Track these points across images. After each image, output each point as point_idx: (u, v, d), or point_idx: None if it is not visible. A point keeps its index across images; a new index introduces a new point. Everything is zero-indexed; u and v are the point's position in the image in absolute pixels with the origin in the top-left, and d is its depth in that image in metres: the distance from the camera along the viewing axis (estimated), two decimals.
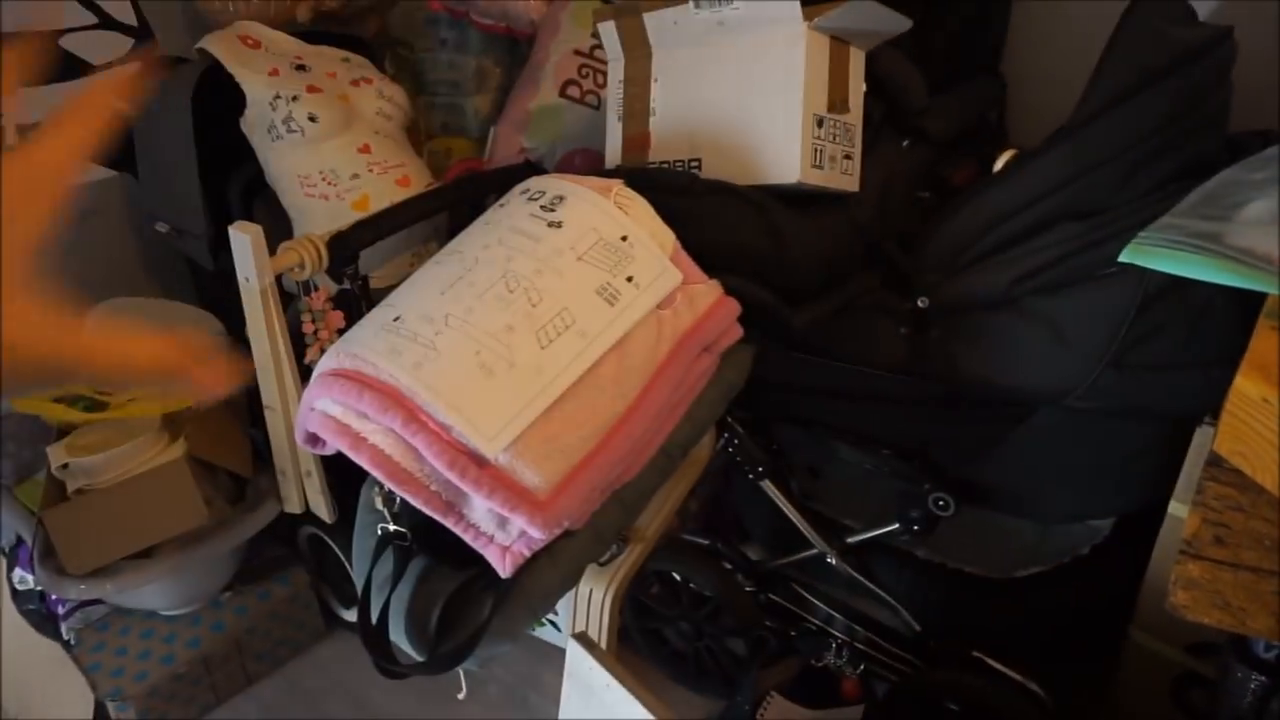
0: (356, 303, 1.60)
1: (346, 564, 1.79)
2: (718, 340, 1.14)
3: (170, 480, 1.54)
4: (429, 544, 1.05)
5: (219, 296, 2.06)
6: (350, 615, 1.87)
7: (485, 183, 1.78)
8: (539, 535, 0.94)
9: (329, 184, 1.88)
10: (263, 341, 1.55)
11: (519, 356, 0.97)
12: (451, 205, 1.77)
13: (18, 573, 1.85)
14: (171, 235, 2.10)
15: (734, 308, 1.14)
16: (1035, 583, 1.25)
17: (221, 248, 1.94)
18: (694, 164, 1.32)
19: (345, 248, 1.57)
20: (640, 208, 1.12)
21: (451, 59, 2.17)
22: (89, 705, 1.62)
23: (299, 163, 1.88)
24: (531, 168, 1.80)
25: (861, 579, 1.37)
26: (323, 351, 1.57)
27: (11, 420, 1.77)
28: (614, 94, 1.49)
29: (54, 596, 1.64)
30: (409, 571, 1.05)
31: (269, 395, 1.59)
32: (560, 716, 1.14)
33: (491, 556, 0.96)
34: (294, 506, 1.69)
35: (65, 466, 1.55)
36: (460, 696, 1.21)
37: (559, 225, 1.09)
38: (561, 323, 1.02)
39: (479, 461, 0.93)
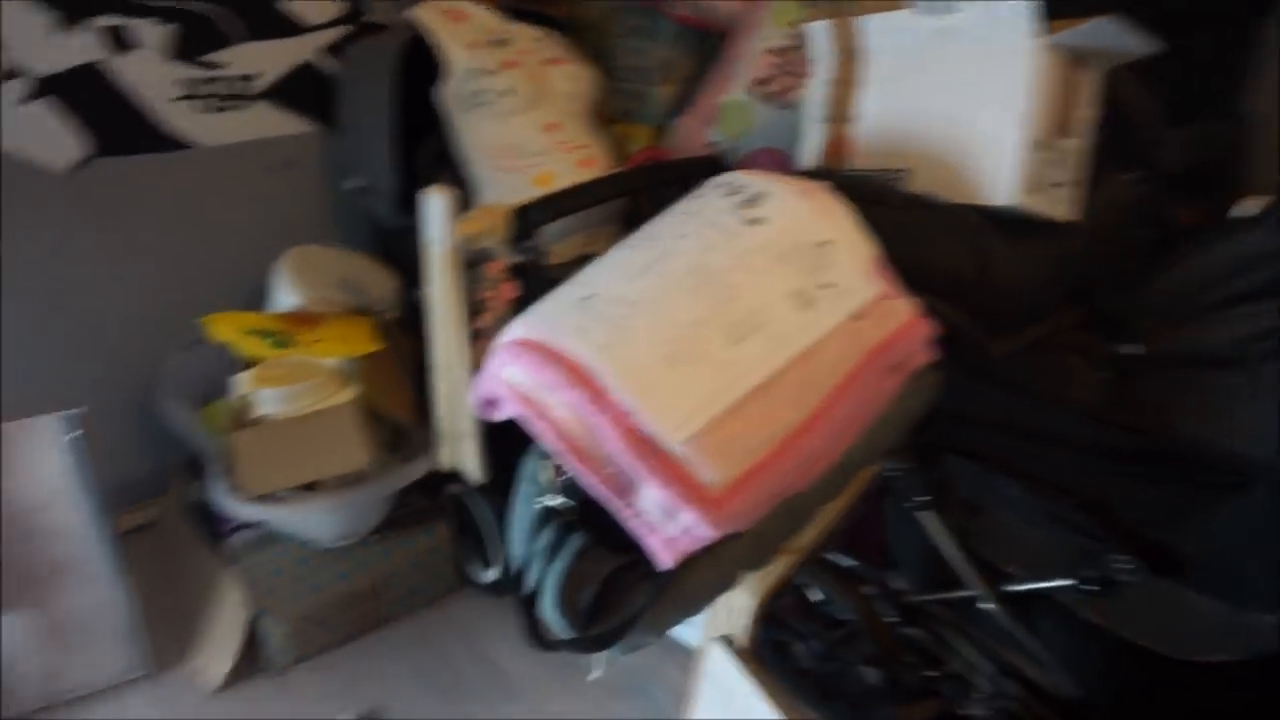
0: (531, 276, 1.64)
1: (484, 528, 1.84)
2: (907, 361, 1.09)
3: (339, 422, 1.62)
4: (590, 522, 1.06)
5: (397, 254, 2.16)
6: (483, 576, 1.92)
7: (668, 172, 1.78)
8: (707, 533, 0.93)
9: (516, 158, 1.93)
10: (442, 302, 1.61)
11: (708, 350, 0.96)
12: (633, 191, 1.78)
13: (196, 486, 2.00)
14: (361, 192, 2.21)
15: (929, 329, 1.09)
16: (1220, 671, 1.14)
17: (406, 208, 2.04)
18: (899, 174, 1.27)
19: (528, 221, 1.60)
20: (843, 213, 1.09)
21: (641, 46, 2.18)
22: (240, 621, 1.73)
23: (489, 134, 1.94)
24: (716, 162, 1.79)
25: (1017, 631, 1.30)
26: (496, 320, 1.62)
27: (203, 347, 1.90)
28: (817, 95, 1.45)
29: (224, 513, 1.76)
30: (567, 547, 1.05)
31: (441, 354, 1.64)
32: (692, 717, 1.13)
33: (654, 547, 0.95)
34: (448, 464, 1.75)
35: (250, 395, 1.66)
36: (592, 676, 1.22)
37: (758, 223, 1.07)
38: (752, 322, 1.00)
39: (657, 450, 0.93)
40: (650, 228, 1.17)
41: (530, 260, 1.63)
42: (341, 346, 1.64)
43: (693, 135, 1.90)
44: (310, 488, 1.66)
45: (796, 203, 1.08)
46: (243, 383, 1.67)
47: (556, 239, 1.79)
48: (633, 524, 0.97)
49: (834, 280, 1.05)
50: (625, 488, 0.97)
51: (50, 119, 1.84)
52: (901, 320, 1.09)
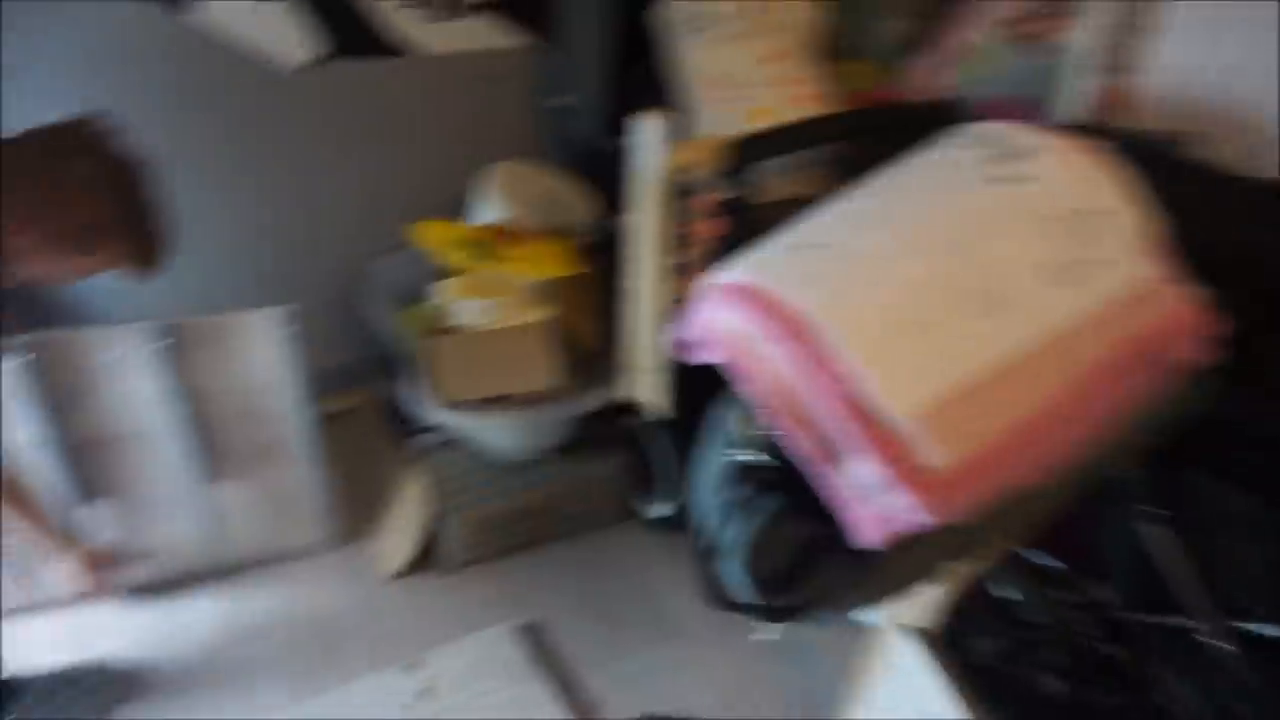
0: (740, 214, 1.57)
1: (658, 463, 1.82)
2: (1173, 357, 0.95)
3: (530, 340, 1.64)
4: (787, 485, 1.01)
5: (598, 177, 2.14)
6: (651, 510, 1.92)
7: (899, 116, 1.65)
8: (922, 519, 0.85)
9: (731, 89, 1.84)
10: (644, 232, 1.57)
11: (945, 319, 0.87)
12: (859, 134, 1.66)
13: (393, 383, 2.10)
14: (567, 111, 2.19)
15: (1208, 324, 0.94)
16: None
17: (612, 131, 2.00)
18: (1188, 139, 1.10)
19: (744, 156, 1.52)
20: (1124, 181, 0.95)
21: None
22: (420, 518, 1.82)
23: (705, 62, 1.86)
24: (953, 109, 1.63)
25: (1253, 679, 1.15)
26: (698, 256, 1.57)
27: (407, 252, 1.97)
28: (1089, 40, 1.28)
29: (415, 413, 1.83)
30: (761, 508, 1.01)
31: (637, 284, 1.62)
32: (864, 697, 1.07)
33: (860, 524, 0.89)
34: (632, 395, 1.74)
35: (448, 304, 1.70)
36: (756, 636, 1.18)
37: (1018, 182, 0.95)
38: (999, 293, 0.89)
39: (877, 422, 0.85)
40: (884, 177, 1.07)
41: (740, 197, 1.55)
42: (540, 266, 1.64)
43: (927, 77, 1.75)
44: (497, 401, 1.69)
45: (1070, 163, 0.95)
46: (442, 291, 1.71)
47: (768, 177, 1.70)
48: (838, 496, 0.90)
49: (1101, 256, 0.92)
50: (834, 456, 0.90)
51: (288, 17, 1.92)
52: (1173, 310, 0.95)
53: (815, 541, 0.97)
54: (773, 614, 0.97)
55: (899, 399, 0.84)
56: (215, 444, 1.74)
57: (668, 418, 1.69)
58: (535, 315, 1.65)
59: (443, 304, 1.69)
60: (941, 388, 0.84)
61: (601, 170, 2.06)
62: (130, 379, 1.62)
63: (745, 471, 1.02)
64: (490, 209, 1.91)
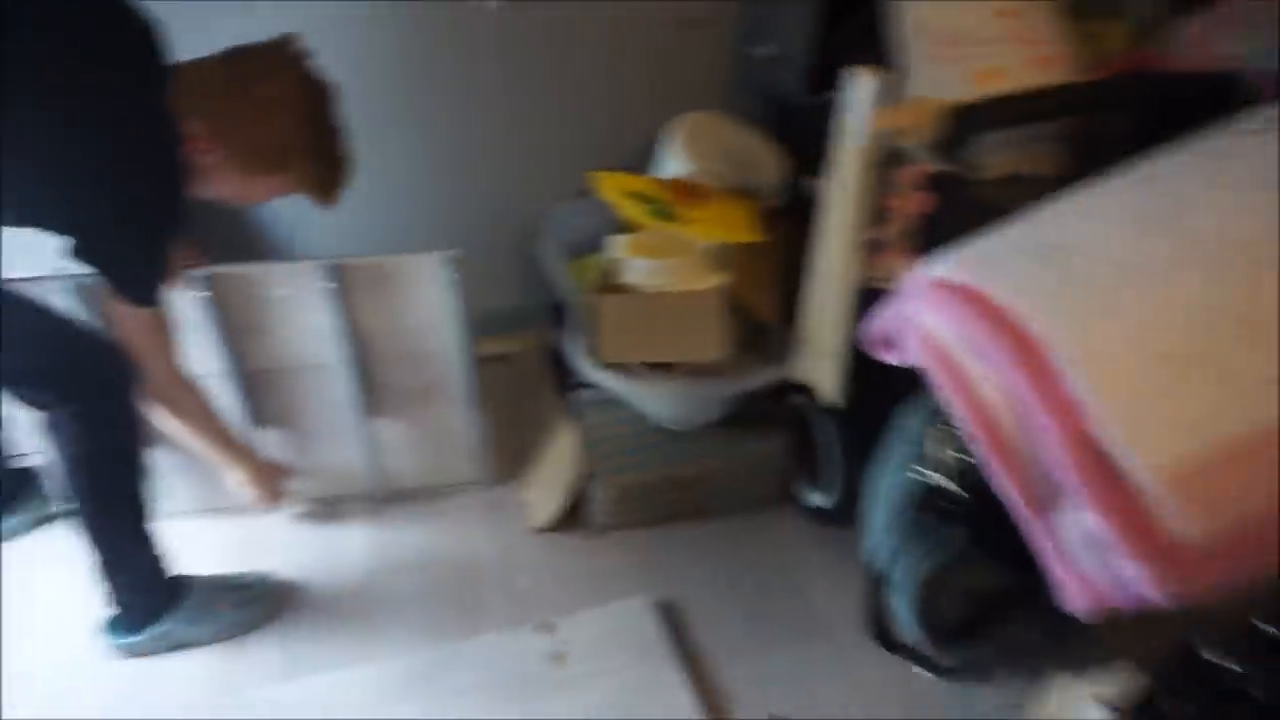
0: (951, 190, 1.38)
1: (824, 451, 1.69)
2: None
3: (703, 308, 1.53)
4: (979, 519, 0.86)
5: (794, 135, 1.98)
6: (810, 498, 1.80)
7: (1166, 88, 1.39)
8: (1153, 596, 0.69)
9: (959, 45, 1.62)
10: (841, 201, 1.42)
11: (1227, 354, 0.69)
12: (1106, 107, 1.42)
13: (555, 331, 2.06)
14: (769, 61, 2.03)
15: None
16: None
17: (816, 86, 1.84)
18: None
19: (966, 124, 1.33)
20: None
21: None
22: (571, 475, 1.78)
23: (932, 13, 1.65)
24: (1233, 83, 1.36)
25: None
26: (898, 234, 1.41)
27: (586, 200, 1.90)
28: None
29: (574, 370, 1.78)
30: (945, 541, 0.87)
31: (825, 258, 1.47)
32: None
33: (1072, 587, 0.73)
34: (803, 377, 1.61)
35: (620, 259, 1.62)
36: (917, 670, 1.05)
37: None
38: None
39: (1112, 469, 0.69)
40: (1153, 165, 0.88)
41: (955, 171, 1.37)
42: (721, 230, 1.52)
43: (1205, 43, 1.47)
44: (660, 367, 1.61)
45: None
46: (616, 245, 1.63)
47: (990, 150, 1.50)
48: (1044, 547, 0.75)
49: None
50: (1048, 501, 0.75)
51: None
52: None
53: (1003, 593, 0.82)
54: (942, 668, 0.83)
55: (1149, 448, 0.67)
56: (377, 381, 1.76)
57: (842, 407, 1.55)
58: (710, 281, 1.54)
59: (614, 259, 1.61)
60: (1209, 441, 0.67)
61: (799, 128, 1.91)
62: (301, 315, 1.65)
63: (929, 496, 0.88)
64: (673, 162, 1.81)
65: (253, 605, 1.59)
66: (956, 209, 1.38)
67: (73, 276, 1.45)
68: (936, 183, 1.37)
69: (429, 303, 1.67)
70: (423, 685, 1.48)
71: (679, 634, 1.58)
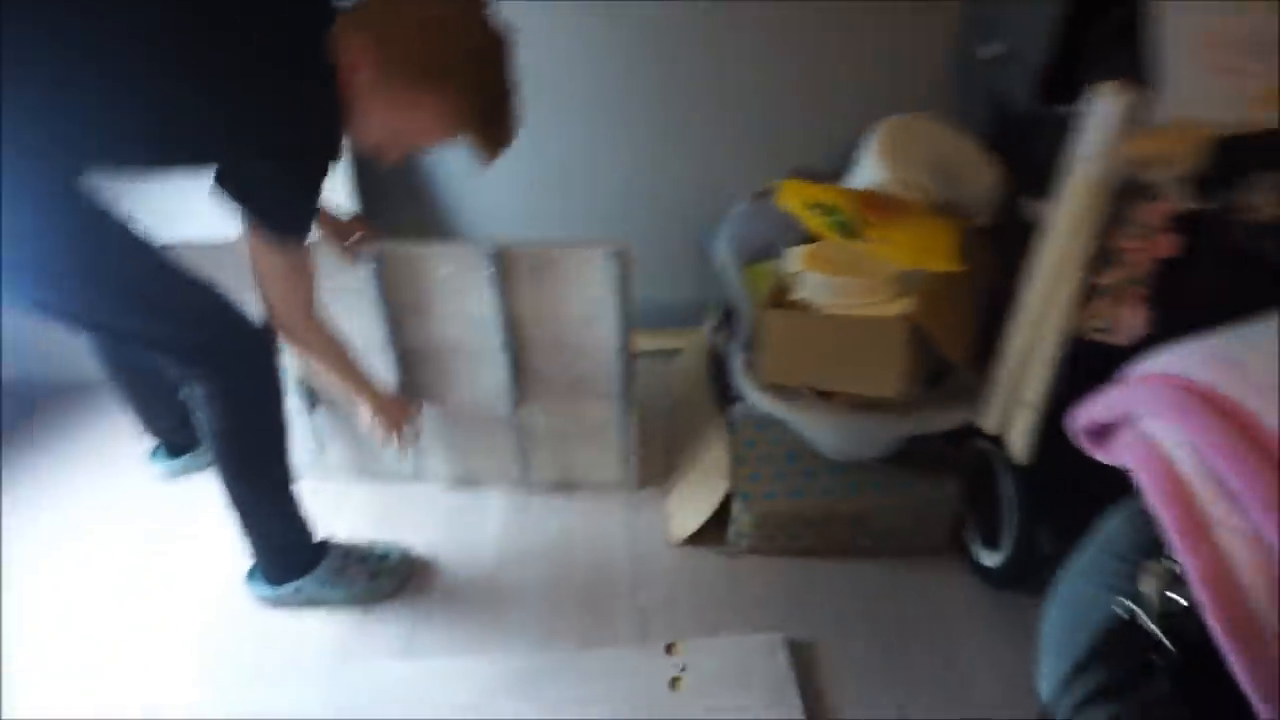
0: (1207, 235, 1.15)
1: (1004, 507, 1.49)
2: None
3: (884, 338, 1.37)
4: (1189, 685, 0.68)
5: (1016, 149, 1.75)
6: (980, 555, 1.60)
7: None
8: None
9: (1239, 57, 1.37)
10: (1063, 234, 1.21)
11: None
12: None
13: (720, 336, 1.96)
14: (997, 62, 1.81)
15: None
16: None
17: (1050, 95, 1.61)
18: None
19: (1237, 159, 1.11)
20: None
21: None
22: (718, 492, 1.67)
23: (1205, 18, 1.39)
24: None
25: None
26: (1128, 282, 1.19)
27: (768, 202, 1.78)
28: None
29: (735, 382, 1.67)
30: (1138, 695, 0.70)
31: (1035, 298, 1.28)
32: None
33: None
34: (990, 426, 1.41)
35: (798, 273, 1.48)
36: None
37: None
38: None
39: None
40: None
41: (1215, 212, 1.14)
42: (913, 254, 1.35)
43: None
44: (826, 394, 1.47)
45: None
46: (795, 257, 1.49)
47: (1258, 190, 1.25)
48: None
49: None
50: None
51: None
52: None
53: None
54: None
55: None
56: (530, 370, 1.72)
57: (1030, 464, 1.36)
58: (897, 309, 1.38)
59: (791, 272, 1.48)
60: None
61: (1023, 141, 1.68)
62: (461, 297, 1.63)
63: (1129, 636, 0.71)
64: (869, 170, 1.65)
65: (386, 577, 1.61)
66: (1211, 260, 1.15)
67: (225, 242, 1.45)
68: (1185, 224, 1.15)
69: (590, 295, 1.61)
70: (534, 688, 1.43)
71: (808, 678, 1.45)
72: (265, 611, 1.60)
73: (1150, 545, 0.79)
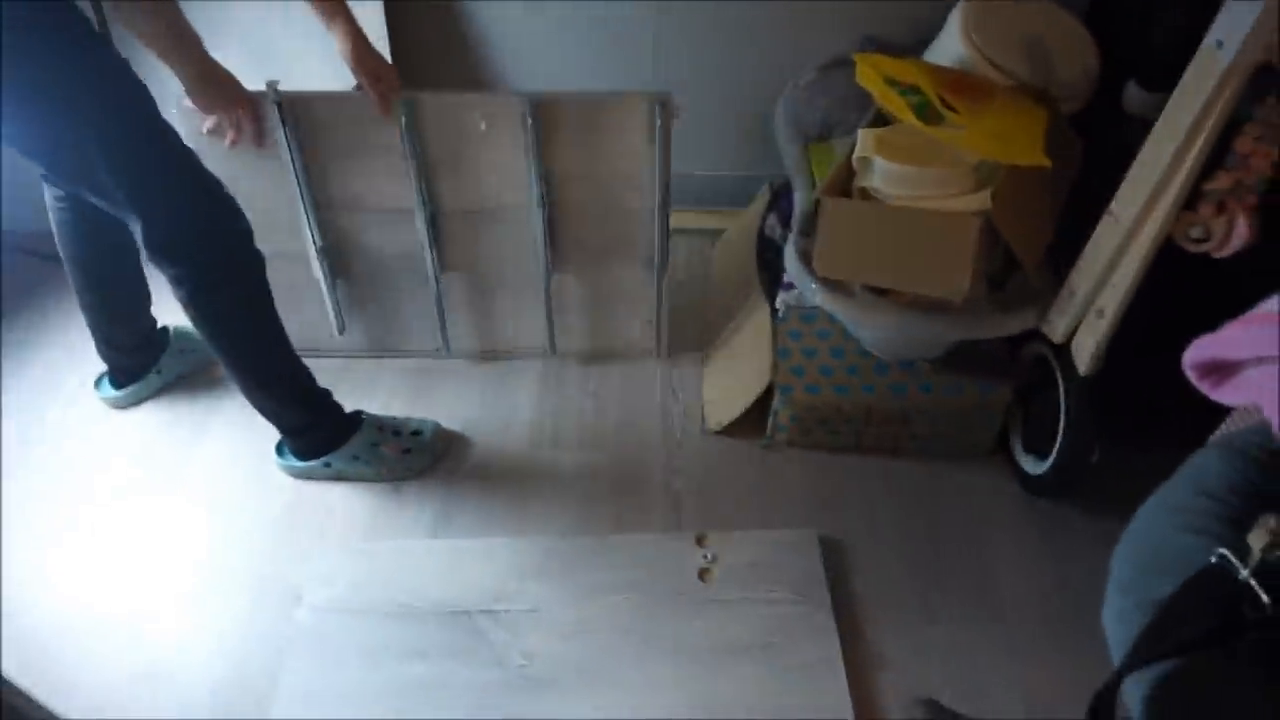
0: None
1: (1061, 415, 1.43)
2: None
3: (955, 235, 1.27)
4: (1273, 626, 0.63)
5: (1123, 24, 1.55)
6: (1026, 463, 1.55)
7: None
8: None
9: None
10: (1171, 128, 1.09)
11: None
12: None
13: (771, 219, 1.85)
14: None
15: None
16: None
17: None
18: None
19: None
20: None
21: None
22: (759, 384, 1.62)
23: None
24: None
25: None
26: (1237, 190, 1.07)
27: (836, 76, 1.63)
28: None
29: (784, 268, 1.58)
30: (1223, 638, 0.65)
31: (1129, 200, 1.16)
32: None
33: None
34: (1057, 335, 1.33)
35: (865, 156, 1.36)
36: None
37: None
38: None
39: None
40: None
41: None
42: (996, 142, 1.23)
43: None
44: (882, 291, 1.38)
45: None
46: (864, 140, 1.37)
47: None
48: None
49: None
50: None
51: None
52: None
53: None
54: None
55: None
56: (566, 232, 1.66)
57: (1091, 370, 1.28)
58: (968, 203, 1.27)
59: (859, 155, 1.36)
60: None
61: (1132, 19, 1.50)
62: (498, 151, 1.55)
63: (1217, 581, 0.65)
64: (952, 46, 1.49)
65: (418, 453, 1.59)
66: None
67: None
68: None
69: (632, 151, 1.54)
70: (561, 570, 1.43)
71: (839, 575, 1.44)
72: (295, 484, 1.59)
73: (1250, 489, 0.73)
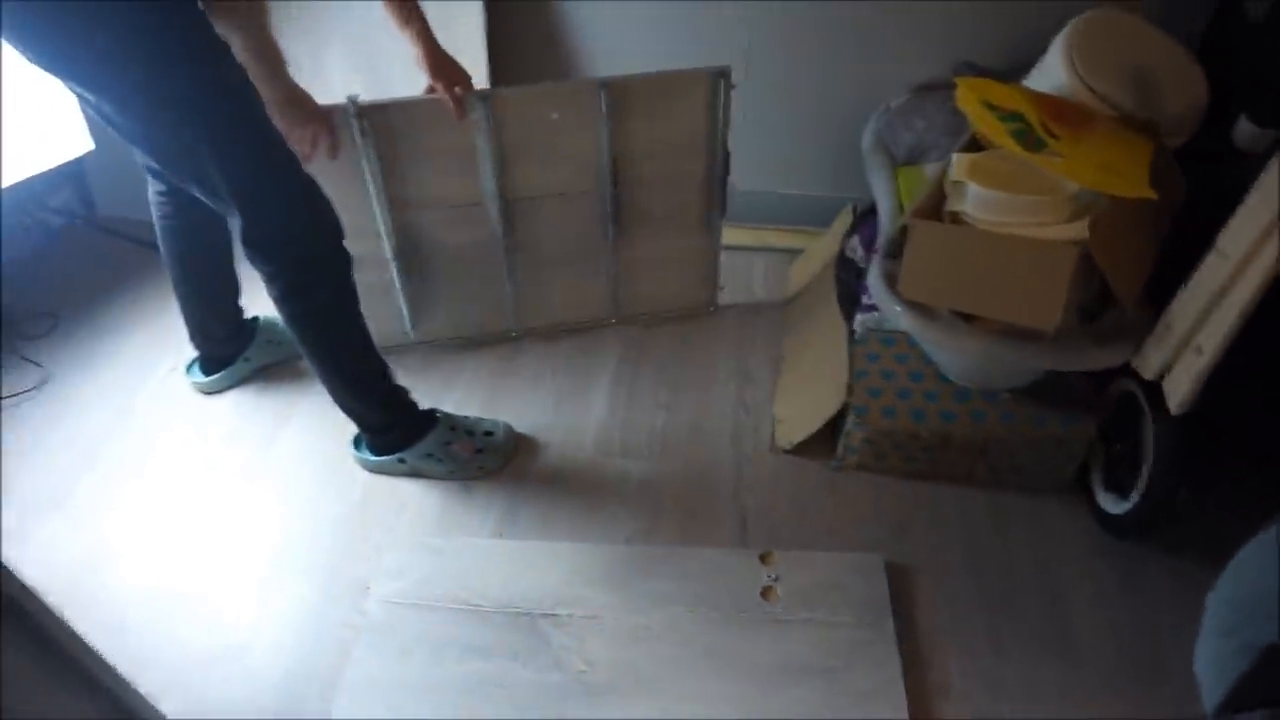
0: None
1: (1146, 453, 1.38)
2: None
3: (1050, 265, 1.24)
4: None
5: (1237, 56, 1.49)
6: (1108, 501, 1.50)
7: None
8: None
9: None
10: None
11: None
12: None
13: (853, 241, 1.84)
14: None
15: None
16: None
17: None
18: None
19: None
20: None
21: None
22: (833, 403, 1.60)
23: None
24: None
25: None
26: None
27: (930, 99, 1.61)
28: None
29: (866, 289, 1.56)
30: None
31: (1237, 235, 1.12)
32: None
33: None
34: (1150, 371, 1.29)
35: (959, 181, 1.34)
36: None
37: None
38: None
39: None
40: None
41: None
42: (1100, 174, 1.20)
43: None
44: (968, 318, 1.36)
45: None
46: (958, 164, 1.35)
47: None
48: None
49: None
50: None
51: None
52: None
53: None
54: None
55: None
56: (632, 206, 1.76)
57: (1184, 410, 1.24)
58: (1065, 232, 1.24)
59: (953, 179, 1.34)
60: None
61: (1245, 50, 1.45)
62: (570, 137, 1.64)
63: None
64: (1056, 72, 1.46)
65: (489, 453, 1.62)
66: None
67: None
68: None
69: (695, 124, 1.65)
70: (624, 578, 1.43)
71: (905, 604, 1.41)
72: (369, 478, 1.63)
73: None
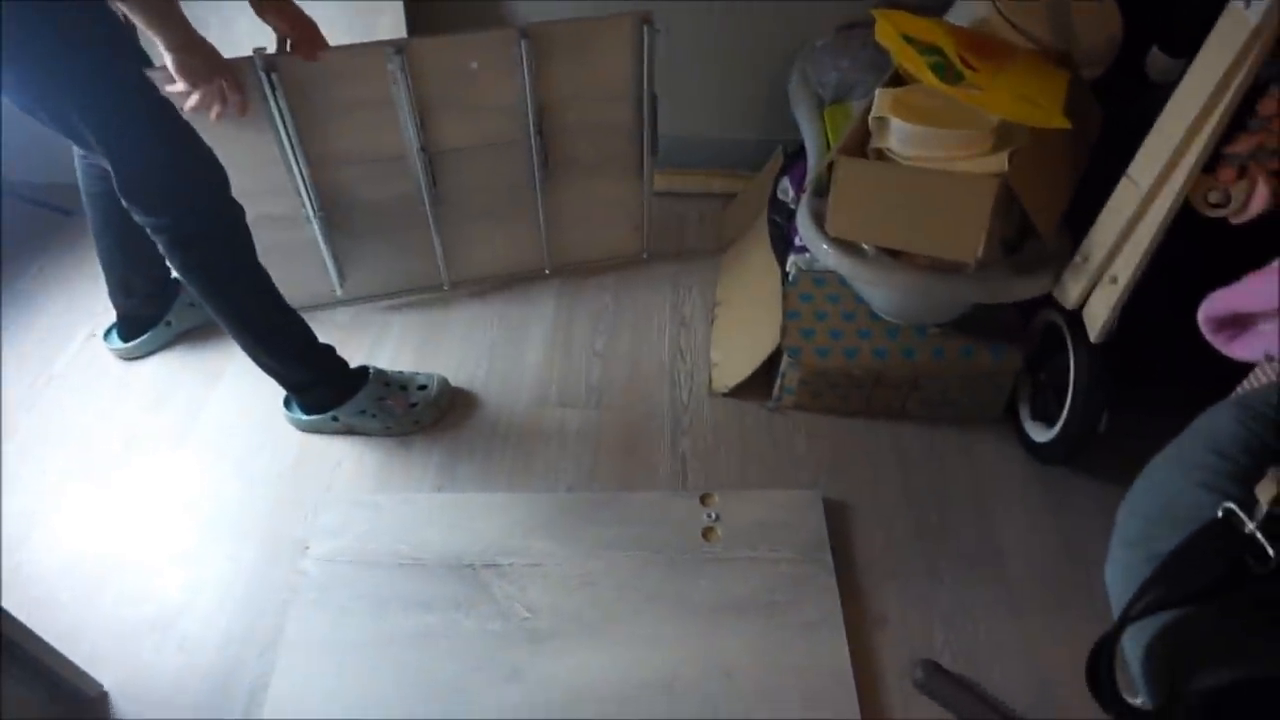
0: None
1: (1071, 381, 1.42)
2: None
3: (971, 197, 1.26)
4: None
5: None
6: (1033, 429, 1.55)
7: None
8: None
9: None
10: (1194, 92, 1.07)
11: None
12: None
13: (784, 182, 1.84)
14: None
15: None
16: None
17: None
18: None
19: None
20: None
21: None
22: (768, 346, 1.61)
23: None
24: None
25: None
26: (1259, 153, 1.06)
27: (853, 36, 1.61)
28: None
29: (795, 231, 1.57)
30: (1226, 589, 0.65)
31: (1147, 164, 1.15)
32: None
33: None
34: (1069, 300, 1.32)
35: (881, 117, 1.35)
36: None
37: None
38: None
39: None
40: None
41: None
42: (1019, 106, 1.21)
43: None
44: (895, 254, 1.37)
45: None
46: (881, 99, 1.35)
47: None
48: None
49: None
50: None
51: None
52: None
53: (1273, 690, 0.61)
54: None
55: None
56: (559, 152, 1.74)
57: (1102, 339, 1.28)
58: (986, 165, 1.25)
59: (875, 115, 1.34)
60: None
61: None
62: (492, 86, 1.60)
63: (1223, 534, 0.65)
64: (972, 7, 1.46)
65: (424, 408, 1.60)
66: None
67: None
68: None
69: (620, 69, 1.64)
70: (565, 526, 1.44)
71: (844, 539, 1.44)
72: (303, 438, 1.60)
73: (1262, 448, 0.72)
